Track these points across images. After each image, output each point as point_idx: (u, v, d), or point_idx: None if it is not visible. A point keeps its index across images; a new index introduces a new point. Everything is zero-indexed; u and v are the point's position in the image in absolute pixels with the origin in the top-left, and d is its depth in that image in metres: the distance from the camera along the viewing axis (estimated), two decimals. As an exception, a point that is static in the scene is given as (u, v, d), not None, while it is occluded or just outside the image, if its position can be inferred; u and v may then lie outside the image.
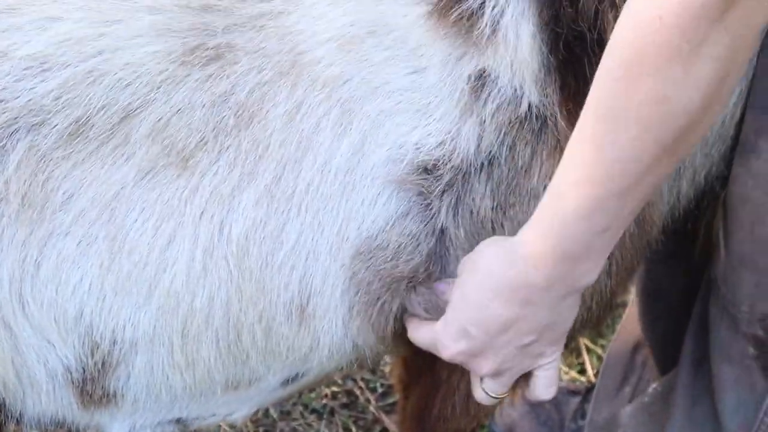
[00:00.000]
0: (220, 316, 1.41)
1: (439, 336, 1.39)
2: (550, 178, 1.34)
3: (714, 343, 1.65)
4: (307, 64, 1.40)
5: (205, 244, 1.38)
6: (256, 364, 1.46)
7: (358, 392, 2.40)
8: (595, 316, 1.59)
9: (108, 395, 1.46)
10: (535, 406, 2.28)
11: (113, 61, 1.37)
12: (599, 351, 2.46)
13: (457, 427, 1.72)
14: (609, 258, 1.47)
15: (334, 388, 2.41)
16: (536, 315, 1.32)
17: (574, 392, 2.31)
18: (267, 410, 2.32)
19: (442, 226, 1.43)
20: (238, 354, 1.44)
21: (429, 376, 1.68)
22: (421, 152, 1.40)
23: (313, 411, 2.35)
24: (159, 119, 1.37)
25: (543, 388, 1.43)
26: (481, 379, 1.43)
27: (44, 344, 1.40)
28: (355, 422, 2.33)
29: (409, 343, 1.49)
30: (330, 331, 1.45)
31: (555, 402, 2.26)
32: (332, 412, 2.35)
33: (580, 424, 2.24)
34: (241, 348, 1.44)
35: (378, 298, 1.45)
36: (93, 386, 1.44)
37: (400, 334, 1.49)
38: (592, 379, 2.41)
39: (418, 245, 1.43)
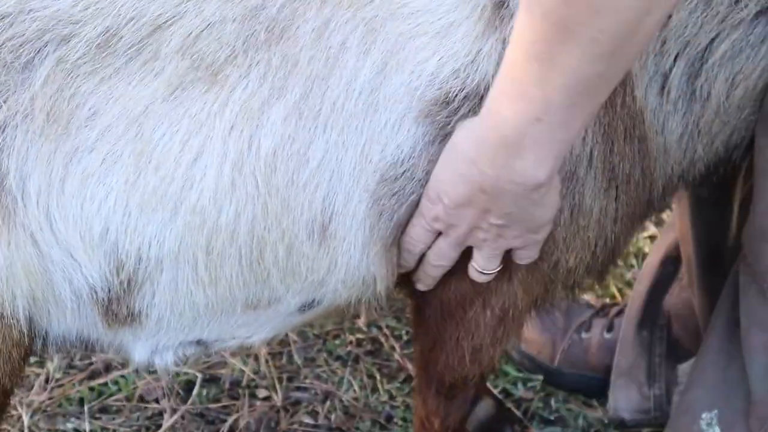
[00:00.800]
0: (245, 233, 1.41)
1: (421, 203, 1.43)
2: None
3: (743, 308, 1.65)
4: None
5: (234, 159, 1.38)
6: (276, 282, 1.47)
7: (383, 339, 2.39)
8: (599, 262, 1.60)
9: (133, 314, 1.46)
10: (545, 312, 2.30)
11: None
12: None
13: (463, 375, 1.73)
14: (614, 202, 1.53)
15: (359, 336, 2.39)
16: (496, 203, 1.36)
17: (589, 306, 2.34)
18: (291, 356, 2.33)
19: None
20: (260, 272, 1.45)
21: (434, 330, 1.68)
22: (439, 80, 1.41)
23: (338, 358, 2.34)
24: (189, 33, 1.37)
25: (521, 260, 1.49)
26: (471, 258, 1.47)
27: (70, 262, 1.40)
28: (379, 369, 2.32)
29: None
30: (348, 252, 1.46)
31: (567, 310, 2.30)
32: (357, 359, 2.34)
33: (583, 336, 2.28)
34: (263, 266, 1.44)
35: (400, 226, 1.47)
36: (118, 305, 1.45)
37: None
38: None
39: None
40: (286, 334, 2.36)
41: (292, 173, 1.40)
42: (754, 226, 1.59)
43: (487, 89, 1.39)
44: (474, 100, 1.41)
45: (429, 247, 1.49)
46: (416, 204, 1.46)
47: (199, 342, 1.58)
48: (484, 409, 2.09)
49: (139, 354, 1.55)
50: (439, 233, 1.47)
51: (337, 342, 2.37)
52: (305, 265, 1.46)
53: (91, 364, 2.26)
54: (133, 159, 1.37)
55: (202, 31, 1.37)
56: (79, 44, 1.35)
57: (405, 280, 1.60)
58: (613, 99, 1.46)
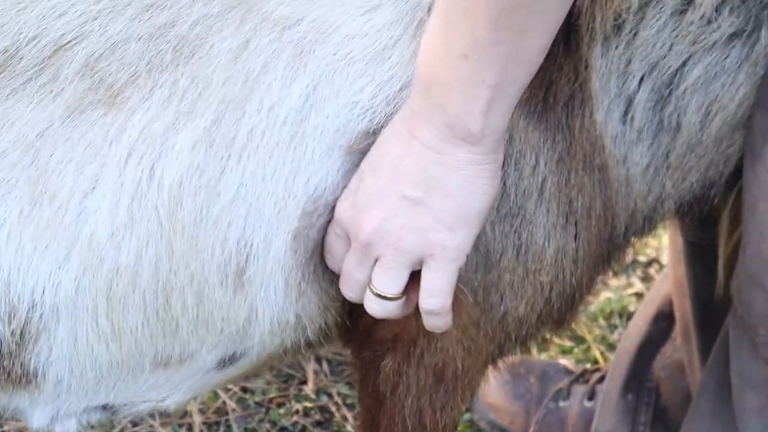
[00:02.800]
0: (149, 275, 1.33)
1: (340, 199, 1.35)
2: (511, 131, 1.35)
3: (735, 366, 1.57)
4: (258, 1, 1.35)
5: (132, 190, 1.30)
6: (187, 335, 1.38)
7: (333, 409, 2.31)
8: (556, 309, 1.50)
9: (28, 374, 1.38)
10: (517, 377, 2.22)
11: None
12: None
13: None
14: (574, 241, 1.44)
15: (307, 404, 2.32)
16: (421, 154, 1.27)
17: (567, 371, 2.27)
18: (230, 427, 2.25)
19: None
20: (168, 322, 1.36)
21: (373, 388, 1.58)
22: (372, 111, 1.35)
23: (282, 429, 2.27)
24: (92, 53, 1.31)
25: (425, 293, 1.33)
26: (370, 284, 1.34)
27: None
28: (330, 443, 2.23)
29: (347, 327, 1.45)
30: (269, 299, 1.37)
31: (542, 376, 2.23)
32: (303, 431, 2.27)
33: (560, 405, 2.19)
34: (170, 315, 1.36)
35: (320, 263, 1.39)
36: (11, 362, 1.37)
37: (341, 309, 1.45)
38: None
39: None
40: (224, 402, 2.28)
41: (200, 208, 1.32)
42: (743, 271, 1.49)
43: None
44: None
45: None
46: None
47: (105, 407, 1.50)
48: None
49: (37, 421, 1.47)
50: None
51: (281, 411, 2.29)
52: (219, 314, 1.37)
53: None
54: (28, 188, 1.30)
55: (105, 50, 1.31)
56: None
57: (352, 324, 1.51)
58: (570, 121, 1.40)
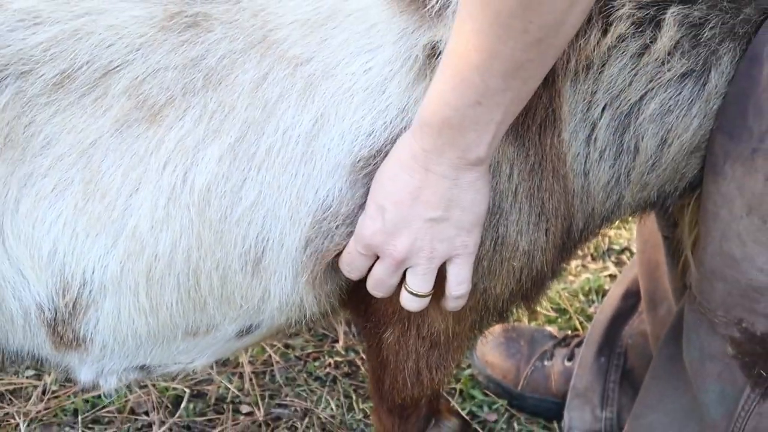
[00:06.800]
0: (182, 261, 1.40)
1: (359, 223, 1.41)
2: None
3: (695, 342, 1.64)
4: (275, 41, 1.41)
5: (168, 192, 1.38)
6: (213, 310, 1.46)
7: (359, 362, 2.38)
8: (525, 289, 1.58)
9: (78, 339, 1.45)
10: (510, 340, 2.31)
11: (99, 22, 1.38)
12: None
13: (411, 396, 1.71)
14: (544, 235, 1.50)
15: (337, 358, 2.38)
16: (439, 184, 1.35)
17: (552, 336, 2.34)
18: (273, 375, 2.32)
19: None
20: (197, 300, 1.44)
21: (377, 352, 1.66)
22: (372, 137, 1.41)
23: (317, 378, 2.33)
24: (135, 77, 1.38)
25: (454, 284, 1.44)
26: (404, 282, 1.43)
27: (19, 279, 1.39)
28: (355, 390, 2.31)
29: (349, 304, 1.51)
30: (280, 283, 1.45)
31: (531, 339, 2.31)
32: (335, 380, 2.33)
33: (545, 364, 2.27)
34: (199, 294, 1.43)
35: (326, 258, 1.45)
36: (64, 328, 1.44)
37: (342, 293, 1.52)
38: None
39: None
40: (269, 356, 2.35)
41: (225, 209, 1.39)
42: (704, 267, 1.56)
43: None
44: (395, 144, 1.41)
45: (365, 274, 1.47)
46: (339, 238, 1.44)
47: (142, 367, 1.57)
48: (449, 429, 2.08)
49: (84, 376, 1.54)
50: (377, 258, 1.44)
51: (316, 364, 2.36)
52: (239, 294, 1.45)
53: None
54: (82, 186, 1.37)
55: (147, 76, 1.38)
56: (37, 80, 1.36)
57: (353, 303, 1.59)
58: (542, 140, 1.46)
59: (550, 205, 1.50)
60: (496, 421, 2.24)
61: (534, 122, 1.45)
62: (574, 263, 2.69)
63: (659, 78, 1.45)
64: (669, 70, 1.45)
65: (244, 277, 1.43)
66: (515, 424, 2.24)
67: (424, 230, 1.38)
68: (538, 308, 2.48)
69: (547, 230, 1.52)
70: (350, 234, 1.43)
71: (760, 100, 1.41)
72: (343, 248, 1.45)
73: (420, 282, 1.43)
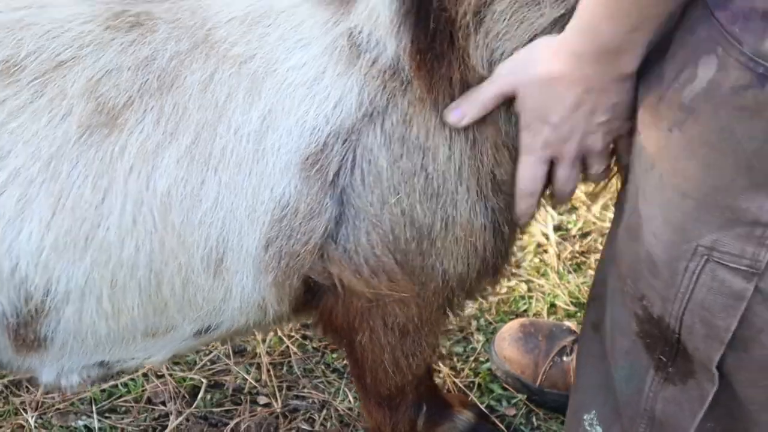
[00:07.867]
0: (144, 266, 1.40)
1: (527, 139, 1.46)
2: (426, 129, 1.42)
3: (612, 313, 1.57)
4: (217, 40, 1.41)
5: (134, 198, 1.37)
6: (173, 312, 1.46)
7: None
8: (491, 266, 1.57)
9: (39, 339, 1.46)
10: (528, 335, 2.27)
11: (42, 15, 1.38)
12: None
13: (395, 385, 1.70)
14: (503, 204, 1.51)
15: None
16: (602, 97, 1.42)
17: (571, 331, 2.28)
18: (291, 367, 2.31)
19: (342, 189, 1.43)
20: (158, 302, 1.44)
21: (352, 354, 1.67)
22: (316, 129, 1.40)
23: (335, 370, 2.31)
24: (92, 77, 1.37)
25: (625, 151, 1.50)
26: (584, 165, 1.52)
27: None
28: (373, 382, 2.28)
29: (307, 308, 1.52)
30: (241, 283, 1.44)
31: (549, 335, 2.26)
32: None
33: (564, 360, 2.21)
34: (161, 297, 1.43)
35: (289, 257, 1.45)
36: (26, 330, 1.44)
37: (301, 294, 1.51)
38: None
39: (322, 211, 1.43)
40: (287, 347, 2.34)
41: (186, 212, 1.39)
42: (623, 223, 1.50)
43: (356, 121, 1.40)
44: (337, 136, 1.41)
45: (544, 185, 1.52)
46: (302, 237, 1.44)
47: (101, 364, 1.57)
48: (463, 421, 2.07)
49: (46, 377, 1.55)
50: (551, 164, 1.49)
51: (334, 355, 2.34)
52: (201, 295, 1.45)
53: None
54: (50, 200, 1.36)
55: (102, 76, 1.37)
56: None
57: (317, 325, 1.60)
58: None
59: (499, 173, 1.49)
60: (514, 416, 2.20)
61: (458, 93, 1.43)
62: (593, 256, 2.61)
63: (539, 23, 1.43)
64: (542, 16, 1.43)
65: (207, 278, 1.42)
66: (534, 419, 2.20)
67: (594, 128, 1.45)
68: (557, 302, 2.45)
69: (505, 201, 1.51)
70: (313, 231, 1.43)
71: (676, 44, 1.38)
72: (308, 247, 1.44)
73: (600, 160, 1.51)
